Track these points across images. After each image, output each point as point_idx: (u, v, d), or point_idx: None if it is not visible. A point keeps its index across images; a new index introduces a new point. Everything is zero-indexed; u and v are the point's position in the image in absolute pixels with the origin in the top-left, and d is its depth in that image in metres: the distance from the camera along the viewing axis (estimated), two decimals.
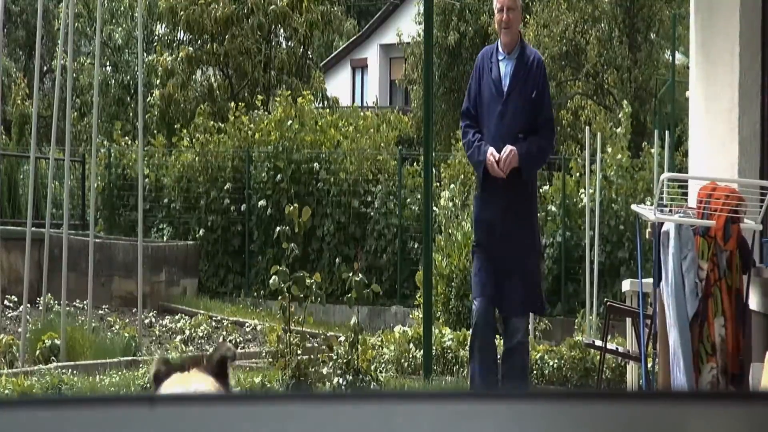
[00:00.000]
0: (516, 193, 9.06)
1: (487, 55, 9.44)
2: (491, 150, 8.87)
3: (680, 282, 7.90)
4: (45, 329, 14.32)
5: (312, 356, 12.16)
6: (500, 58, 9.26)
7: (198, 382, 6.19)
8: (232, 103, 24.86)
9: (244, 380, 12.27)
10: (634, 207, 10.09)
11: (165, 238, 22.45)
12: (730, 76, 9.19)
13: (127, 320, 16.86)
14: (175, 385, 6.30)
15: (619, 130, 22.45)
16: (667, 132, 18.64)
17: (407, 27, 34.93)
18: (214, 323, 18.13)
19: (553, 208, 21.29)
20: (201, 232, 22.54)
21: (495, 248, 9.07)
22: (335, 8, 29.01)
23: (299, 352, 11.93)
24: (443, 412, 1.63)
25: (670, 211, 8.37)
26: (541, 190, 20.56)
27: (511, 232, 8.98)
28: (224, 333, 17.58)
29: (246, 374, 12.72)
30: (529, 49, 9.41)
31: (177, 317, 18.66)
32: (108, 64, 29.44)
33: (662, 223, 8.15)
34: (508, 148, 8.83)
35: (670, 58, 26.26)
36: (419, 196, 20.04)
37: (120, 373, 13.31)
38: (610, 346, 11.90)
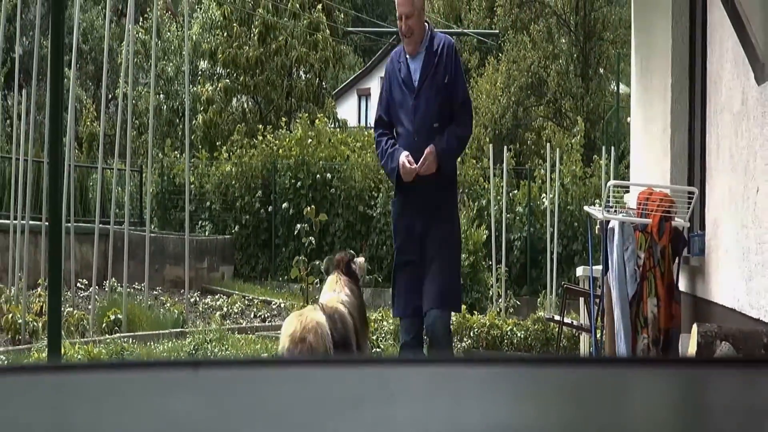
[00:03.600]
0: (435, 186, 7.26)
1: (396, 57, 7.56)
2: (404, 156, 7.19)
3: (622, 269, 7.88)
4: (110, 306, 14.31)
5: None
6: (408, 57, 7.44)
7: (312, 312, 6.31)
8: (261, 125, 24.93)
9: (271, 348, 12.24)
10: (586, 208, 10.07)
11: (207, 233, 22.45)
12: (664, 103, 9.18)
13: (176, 299, 16.85)
14: (293, 316, 6.58)
15: (573, 143, 22.44)
16: (612, 148, 18.62)
17: None
18: (246, 301, 18.12)
19: (521, 210, 21.34)
20: (236, 228, 22.58)
21: (416, 251, 7.29)
22: (344, 48, 29.00)
23: None
24: (429, 373, 1.61)
25: (615, 211, 8.35)
26: (509, 195, 20.58)
27: (430, 227, 7.25)
28: (255, 309, 17.56)
29: (272, 343, 12.69)
30: (438, 37, 7.40)
31: (216, 297, 18.66)
32: (161, 92, 29.43)
33: (609, 221, 8.14)
34: (425, 153, 7.13)
35: (615, 88, 26.22)
36: None
37: (170, 342, 13.30)
38: (567, 320, 11.90)
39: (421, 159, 7.12)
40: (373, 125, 7.85)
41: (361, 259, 6.98)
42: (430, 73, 7.22)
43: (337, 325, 6.36)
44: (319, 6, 28.82)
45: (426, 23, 7.35)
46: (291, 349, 6.32)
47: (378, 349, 11.58)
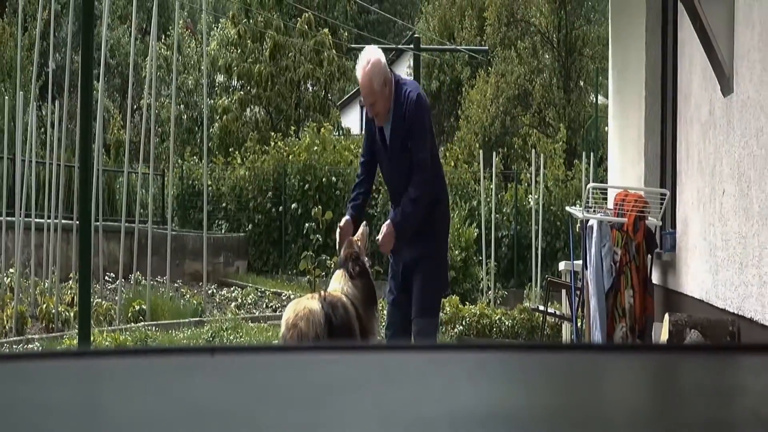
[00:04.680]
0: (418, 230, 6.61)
1: (371, 116, 6.77)
2: (343, 220, 6.74)
3: (600, 263, 7.88)
4: (135, 297, 14.31)
5: None
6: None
7: (308, 301, 6.26)
8: (272, 133, 24.91)
9: (281, 335, 12.22)
10: (567, 208, 10.06)
11: (223, 231, 22.45)
12: (638, 113, 9.18)
13: (195, 291, 16.84)
14: (291, 304, 6.50)
15: (556, 149, 22.42)
16: (591, 153, 18.61)
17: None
18: (259, 293, 18.12)
19: (508, 210, 21.32)
20: (249, 226, 22.58)
21: (397, 275, 6.73)
22: (348, 63, 28.98)
23: None
24: (424, 359, 1.61)
25: (594, 211, 8.35)
26: (498, 196, 20.56)
27: (414, 244, 6.54)
28: (266, 300, 17.55)
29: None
30: (404, 93, 6.58)
31: (232, 289, 18.66)
32: (181, 103, 29.43)
33: (588, 220, 8.13)
34: (382, 231, 6.56)
35: (594, 99, 26.20)
36: None
37: (190, 330, 13.30)
38: (550, 310, 11.89)
39: (380, 235, 6.57)
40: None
41: (365, 229, 6.76)
42: (399, 136, 6.57)
43: (339, 312, 6.30)
44: (325, 26, 28.85)
45: (391, 80, 6.59)
46: (285, 334, 6.31)
47: (379, 337, 11.57)
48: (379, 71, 6.54)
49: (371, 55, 6.62)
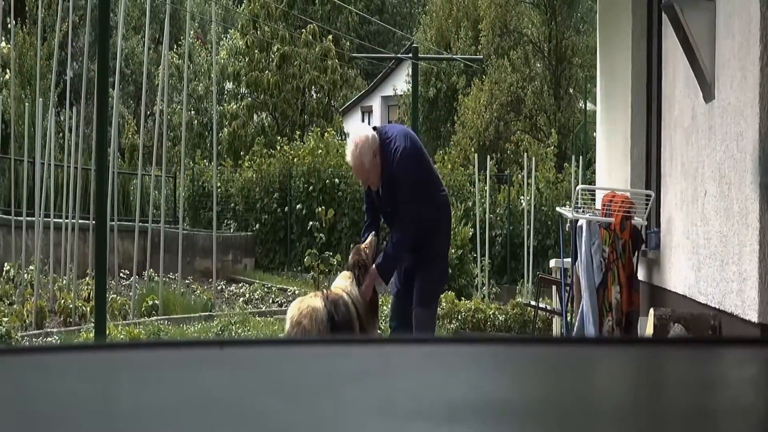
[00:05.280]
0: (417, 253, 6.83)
1: None
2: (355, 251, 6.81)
3: (589, 261, 7.87)
4: (148, 293, 14.31)
5: None
6: None
7: (311, 299, 6.25)
8: (279, 137, 24.91)
9: (286, 332, 12.21)
10: (558, 209, 10.06)
11: (231, 230, 22.45)
12: (625, 119, 9.18)
13: (205, 287, 16.84)
14: (295, 302, 6.48)
15: (547, 153, 22.42)
16: (581, 157, 18.61)
17: (400, 84, 34.93)
18: (265, 289, 18.11)
19: (501, 210, 21.32)
20: (256, 226, 22.57)
21: (400, 277, 6.80)
22: (350, 71, 28.99)
23: None
24: (422, 351, 1.61)
25: (583, 211, 8.34)
26: (492, 198, 20.56)
27: (416, 251, 6.81)
28: (273, 296, 17.55)
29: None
30: (391, 151, 6.67)
31: (240, 285, 18.65)
32: (192, 109, 29.44)
33: (578, 220, 8.13)
34: (367, 276, 6.61)
35: (583, 106, 26.22)
36: None
37: (200, 324, 13.30)
38: (542, 305, 11.89)
39: (363, 286, 6.58)
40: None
41: (373, 239, 6.80)
42: (388, 191, 6.70)
43: (341, 310, 6.31)
44: (329, 36, 28.84)
45: (378, 147, 6.64)
46: (289, 331, 6.33)
47: (379, 331, 11.56)
48: (367, 149, 6.66)
49: (357, 137, 6.74)
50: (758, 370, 1.48)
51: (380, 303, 7.28)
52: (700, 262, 6.64)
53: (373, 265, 6.67)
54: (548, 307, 11.87)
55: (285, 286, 18.90)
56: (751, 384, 1.40)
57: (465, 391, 1.31)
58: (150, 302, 13.92)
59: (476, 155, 20.30)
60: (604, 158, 10.48)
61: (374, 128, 6.94)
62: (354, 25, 34.71)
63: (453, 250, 17.81)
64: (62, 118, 20.10)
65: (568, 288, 8.79)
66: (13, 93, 16.22)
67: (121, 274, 16.00)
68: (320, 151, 22.55)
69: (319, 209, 14.28)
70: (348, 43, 31.08)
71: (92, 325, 10.48)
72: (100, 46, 9.33)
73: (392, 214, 6.79)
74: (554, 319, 12.01)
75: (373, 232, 6.84)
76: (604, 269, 7.81)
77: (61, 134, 18.91)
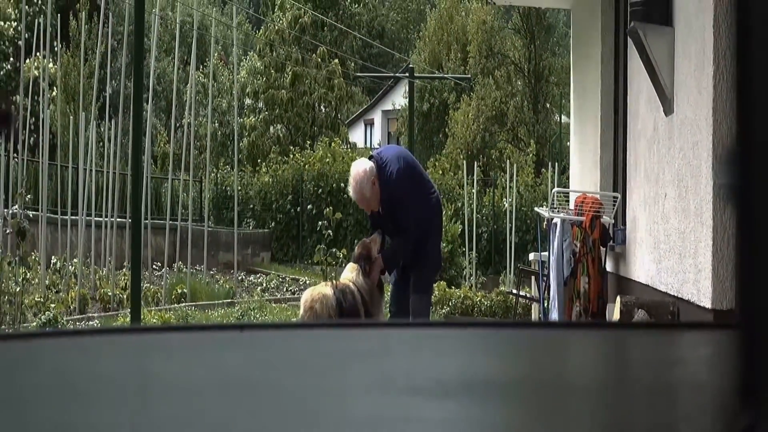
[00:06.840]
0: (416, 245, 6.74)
1: None
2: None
3: (560, 255, 7.87)
4: (177, 283, 14.31)
5: None
6: None
7: (322, 287, 6.25)
8: (292, 147, 24.93)
9: (298, 315, 12.20)
10: (536, 209, 10.06)
11: (250, 228, 22.46)
12: (595, 130, 9.18)
13: (227, 278, 16.84)
14: (308, 290, 6.44)
15: (527, 160, 22.38)
16: (556, 163, 18.60)
17: (398, 100, 34.93)
18: (280, 279, 18.12)
19: (487, 210, 21.31)
20: (272, 224, 22.59)
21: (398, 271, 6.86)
22: (354, 88, 29.00)
23: None
24: (417, 334, 1.61)
25: (558, 211, 8.34)
26: (478, 199, 20.55)
27: (413, 255, 6.77)
28: (287, 285, 17.54)
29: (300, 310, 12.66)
30: (386, 174, 6.63)
31: (258, 276, 18.65)
32: (216, 122, 29.44)
33: (553, 219, 8.13)
34: (374, 259, 6.57)
35: (559, 119, 26.22)
36: None
37: (223, 310, 13.29)
38: (522, 293, 11.88)
39: (372, 268, 6.55)
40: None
41: (377, 236, 6.77)
42: (387, 209, 6.64)
43: (347, 297, 6.31)
44: (336, 58, 28.85)
45: (375, 175, 6.60)
46: (303, 314, 6.34)
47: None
48: (366, 181, 6.60)
49: (356, 174, 6.66)
50: (712, 350, 1.48)
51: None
52: (660, 256, 6.64)
53: (377, 260, 6.63)
54: (528, 295, 11.86)
55: (297, 277, 18.90)
56: (705, 363, 1.40)
57: (455, 369, 1.31)
58: (179, 291, 13.92)
59: (465, 162, 20.29)
60: (576, 165, 10.47)
61: (370, 157, 6.87)
62: (357, 48, 34.73)
63: (444, 245, 17.81)
64: (102, 130, 20.09)
65: (545, 278, 8.79)
66: (60, 108, 16.23)
67: (153, 266, 16.00)
68: (328, 158, 22.56)
69: (328, 210, 14.23)
70: (352, 64, 31.09)
71: (128, 310, 10.47)
72: (135, 66, 9.33)
73: (391, 228, 6.73)
74: (533, 306, 12.00)
75: (380, 230, 6.82)
76: (573, 263, 7.81)
77: (101, 144, 18.90)
